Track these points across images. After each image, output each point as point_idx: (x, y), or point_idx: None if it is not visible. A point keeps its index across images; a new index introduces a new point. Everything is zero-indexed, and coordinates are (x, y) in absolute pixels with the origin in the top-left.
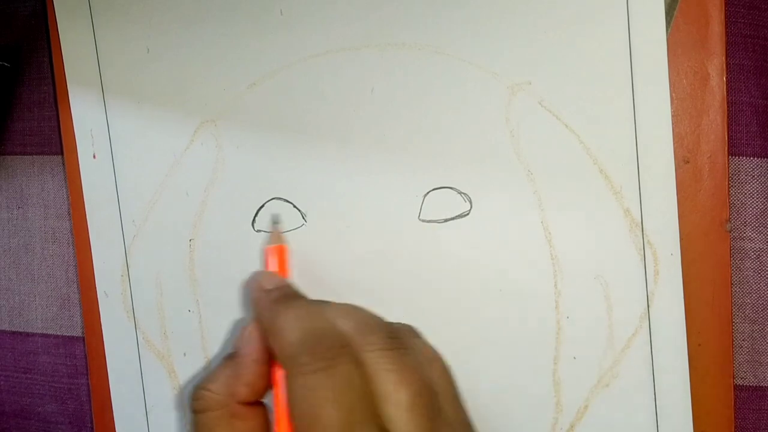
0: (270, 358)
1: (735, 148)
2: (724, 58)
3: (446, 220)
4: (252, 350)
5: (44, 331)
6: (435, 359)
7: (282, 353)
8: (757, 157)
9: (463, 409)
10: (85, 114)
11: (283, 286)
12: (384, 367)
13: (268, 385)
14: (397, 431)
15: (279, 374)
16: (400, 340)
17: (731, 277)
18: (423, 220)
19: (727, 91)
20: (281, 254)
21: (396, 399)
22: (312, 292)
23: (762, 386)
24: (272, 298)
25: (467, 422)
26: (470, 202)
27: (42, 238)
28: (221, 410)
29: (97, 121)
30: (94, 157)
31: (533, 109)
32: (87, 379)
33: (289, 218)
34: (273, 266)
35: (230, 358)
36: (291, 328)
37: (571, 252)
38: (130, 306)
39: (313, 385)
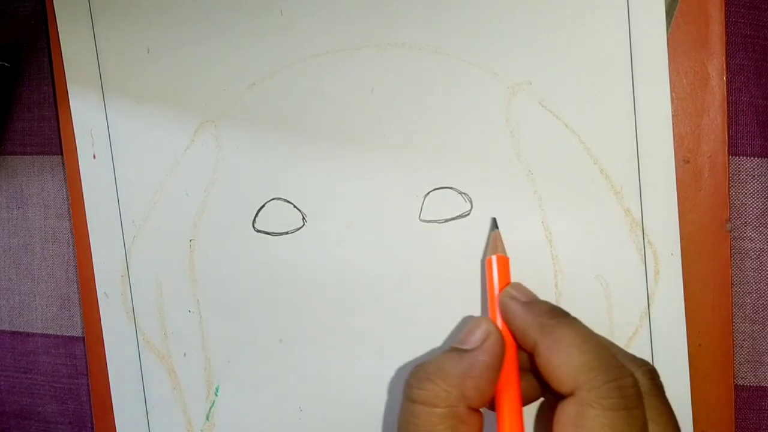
0: (500, 372)
1: (735, 148)
2: (724, 58)
3: (447, 220)
4: (490, 355)
5: (44, 331)
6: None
7: (575, 374)
8: (757, 157)
9: None
10: (85, 114)
11: (544, 301)
12: (651, 413)
13: (491, 398)
14: None
15: (511, 387)
16: (659, 382)
17: (731, 277)
18: (423, 220)
19: (727, 91)
20: (504, 265)
21: None
22: (313, 292)
23: (762, 386)
24: (541, 312)
25: None
26: (471, 202)
27: (42, 238)
28: (448, 409)
29: (97, 121)
30: (94, 157)
31: (533, 109)
32: (87, 379)
33: (289, 218)
34: (498, 276)
35: (460, 353)
36: (583, 349)
37: (571, 252)
38: (130, 306)
39: (615, 425)
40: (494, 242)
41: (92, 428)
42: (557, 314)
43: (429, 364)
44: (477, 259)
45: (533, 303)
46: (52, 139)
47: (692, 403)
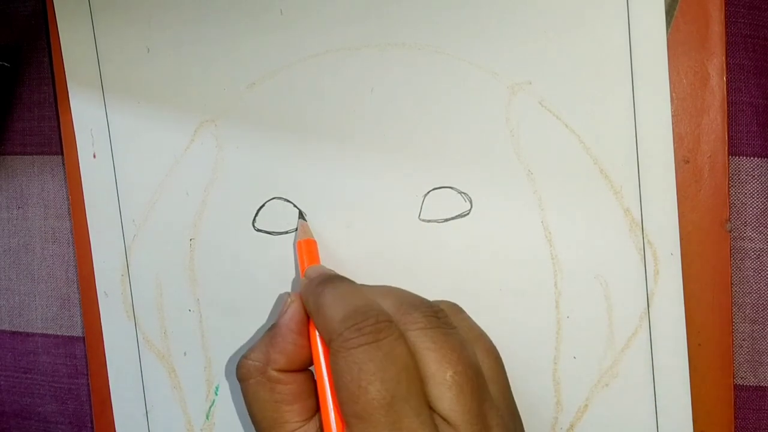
0: (308, 332)
1: (735, 148)
2: (724, 58)
3: (446, 220)
4: (288, 320)
5: (44, 331)
6: (480, 337)
7: (326, 329)
8: (757, 157)
9: (508, 390)
10: (85, 114)
11: (325, 272)
12: (426, 345)
13: (307, 357)
14: (443, 410)
15: (319, 350)
16: (443, 318)
17: (731, 277)
18: (423, 220)
19: (727, 91)
20: (310, 246)
21: (440, 378)
22: None
23: (762, 386)
24: (316, 283)
25: (512, 405)
26: (470, 201)
27: (42, 238)
28: (260, 376)
29: (97, 121)
30: (94, 156)
31: (533, 108)
32: (87, 379)
33: (289, 218)
34: (305, 258)
35: (270, 329)
36: (334, 305)
37: (571, 251)
38: (130, 306)
39: (357, 360)
40: (302, 229)
41: (92, 428)
42: (325, 281)
43: (247, 349)
44: (477, 259)
45: (315, 278)
46: (52, 139)
47: (692, 402)
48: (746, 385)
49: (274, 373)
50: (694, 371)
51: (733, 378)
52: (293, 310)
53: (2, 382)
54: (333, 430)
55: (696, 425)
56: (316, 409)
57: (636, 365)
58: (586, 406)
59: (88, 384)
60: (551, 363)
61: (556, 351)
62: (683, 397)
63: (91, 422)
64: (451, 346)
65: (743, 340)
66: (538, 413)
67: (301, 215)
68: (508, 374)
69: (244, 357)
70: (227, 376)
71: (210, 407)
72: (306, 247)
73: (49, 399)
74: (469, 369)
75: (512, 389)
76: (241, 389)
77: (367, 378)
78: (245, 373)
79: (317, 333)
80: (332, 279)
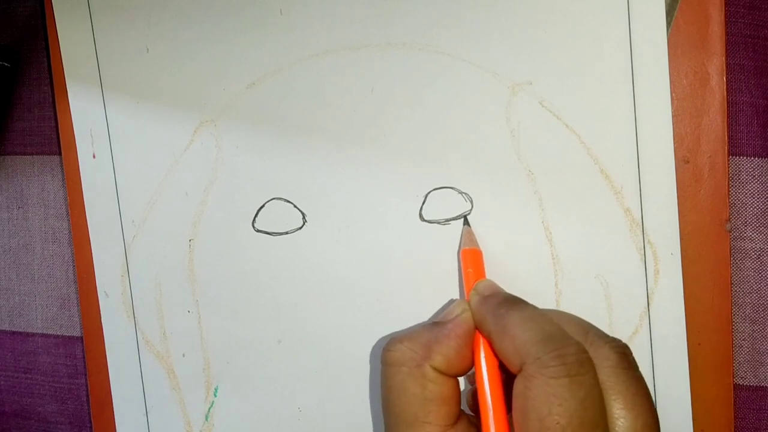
0: (472, 344)
1: (735, 148)
2: (724, 58)
3: (447, 220)
4: (457, 326)
5: (44, 331)
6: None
7: (517, 351)
8: (757, 157)
9: None
10: (85, 114)
11: (501, 292)
12: (618, 389)
13: (463, 368)
14: None
15: (482, 367)
16: (630, 355)
17: (731, 276)
18: (424, 220)
19: (727, 91)
20: (476, 258)
21: (625, 425)
22: (313, 292)
23: (762, 386)
24: (495, 303)
25: None
26: (471, 201)
27: (42, 238)
28: (416, 369)
29: (96, 121)
30: (94, 156)
31: (534, 109)
32: (87, 379)
33: (289, 218)
34: (470, 270)
35: (434, 325)
36: (524, 327)
37: (571, 251)
38: (130, 306)
39: (558, 393)
40: (467, 237)
41: (91, 428)
42: (508, 303)
43: (402, 331)
44: None
45: (490, 296)
46: (52, 139)
47: (692, 402)
48: (746, 385)
49: (430, 371)
50: (694, 371)
51: (733, 378)
52: (464, 319)
53: (2, 382)
54: None
55: (696, 425)
56: (457, 418)
57: None
58: None
59: (88, 384)
60: None
61: None
62: (683, 396)
63: (91, 422)
64: (642, 393)
65: (743, 340)
66: None
67: (466, 221)
68: None
69: (399, 341)
70: (227, 377)
71: (209, 408)
72: (472, 258)
73: (49, 399)
74: (655, 419)
75: None
76: (385, 373)
77: (566, 417)
78: (399, 359)
79: (483, 350)
80: (516, 301)
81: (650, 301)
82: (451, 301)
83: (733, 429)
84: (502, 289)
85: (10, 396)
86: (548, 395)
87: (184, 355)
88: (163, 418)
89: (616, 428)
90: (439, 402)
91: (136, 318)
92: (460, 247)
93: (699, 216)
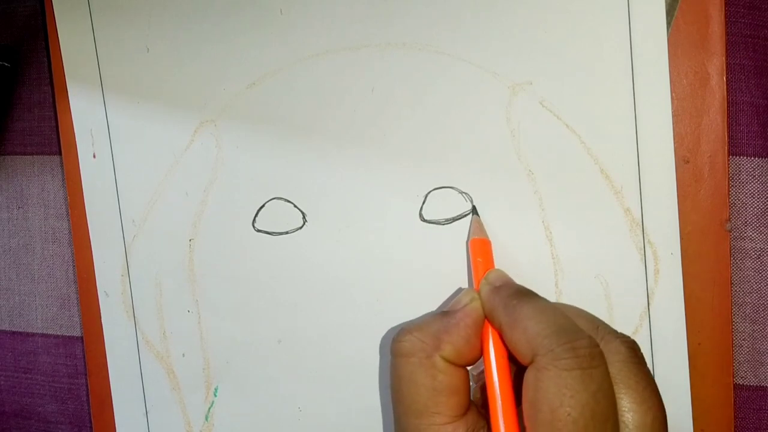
0: (481, 334)
1: (735, 148)
2: (724, 58)
3: (447, 220)
4: (466, 316)
5: (44, 331)
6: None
7: (529, 342)
8: (757, 157)
9: None
10: (85, 114)
11: (513, 283)
12: (628, 383)
13: (472, 357)
14: None
15: (491, 358)
16: (639, 350)
17: (731, 276)
18: (424, 220)
19: (727, 91)
20: (485, 247)
21: (639, 420)
22: (313, 292)
23: (762, 386)
24: (507, 294)
25: None
26: (471, 201)
27: (42, 238)
28: (426, 359)
29: (96, 121)
30: (94, 157)
31: (534, 109)
32: (87, 379)
33: (289, 218)
34: (479, 260)
35: (443, 315)
36: (537, 319)
37: (571, 251)
38: (130, 306)
39: (570, 385)
40: (476, 226)
41: (91, 428)
42: (520, 294)
43: (411, 322)
44: None
45: (502, 287)
46: (52, 139)
47: (692, 402)
48: (746, 385)
49: (440, 361)
50: (693, 370)
51: (733, 377)
52: (473, 308)
53: (2, 382)
54: None
55: (696, 424)
56: (467, 409)
57: None
58: None
59: (88, 384)
60: None
61: None
62: (683, 396)
63: (91, 422)
64: (652, 387)
65: (743, 339)
66: None
67: (474, 210)
68: None
69: (408, 332)
70: (226, 377)
71: (209, 408)
72: (481, 248)
73: (49, 399)
74: (664, 413)
75: None
76: (395, 364)
77: (578, 409)
78: (409, 349)
79: (493, 341)
80: (528, 293)
81: (650, 301)
82: (460, 290)
83: (733, 429)
84: (512, 279)
85: (10, 396)
86: (560, 387)
87: (184, 355)
88: (163, 418)
89: (626, 421)
90: (449, 392)
91: (136, 318)
92: (469, 236)
93: (699, 216)
